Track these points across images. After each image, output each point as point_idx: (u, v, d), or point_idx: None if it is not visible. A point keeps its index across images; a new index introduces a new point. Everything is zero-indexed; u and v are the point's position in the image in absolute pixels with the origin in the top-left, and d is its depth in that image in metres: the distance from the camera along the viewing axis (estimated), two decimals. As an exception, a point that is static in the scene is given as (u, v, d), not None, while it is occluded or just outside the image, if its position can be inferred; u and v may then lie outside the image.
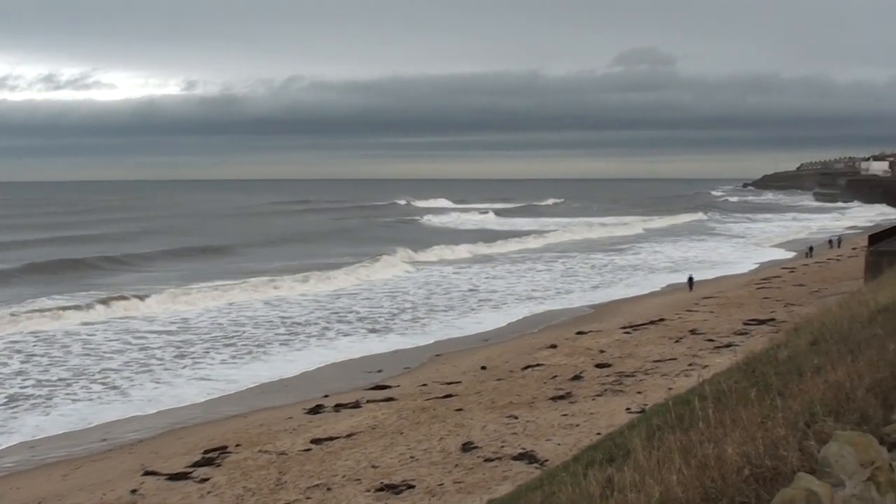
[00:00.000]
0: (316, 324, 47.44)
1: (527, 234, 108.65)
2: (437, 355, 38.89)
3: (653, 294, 57.23)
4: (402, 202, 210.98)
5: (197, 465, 23.81)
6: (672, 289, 58.92)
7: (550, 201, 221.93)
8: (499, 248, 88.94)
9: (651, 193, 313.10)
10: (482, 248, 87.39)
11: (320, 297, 56.03)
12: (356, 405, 29.59)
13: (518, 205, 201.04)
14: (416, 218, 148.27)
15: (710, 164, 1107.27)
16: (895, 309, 13.69)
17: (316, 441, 25.32)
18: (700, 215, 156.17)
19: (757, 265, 73.82)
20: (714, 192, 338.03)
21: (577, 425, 24.67)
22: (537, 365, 34.58)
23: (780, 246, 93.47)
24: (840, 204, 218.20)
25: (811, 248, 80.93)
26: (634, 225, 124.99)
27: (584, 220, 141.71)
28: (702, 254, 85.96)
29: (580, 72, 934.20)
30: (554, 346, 38.51)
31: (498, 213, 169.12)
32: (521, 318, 48.98)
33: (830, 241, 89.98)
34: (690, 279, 59.17)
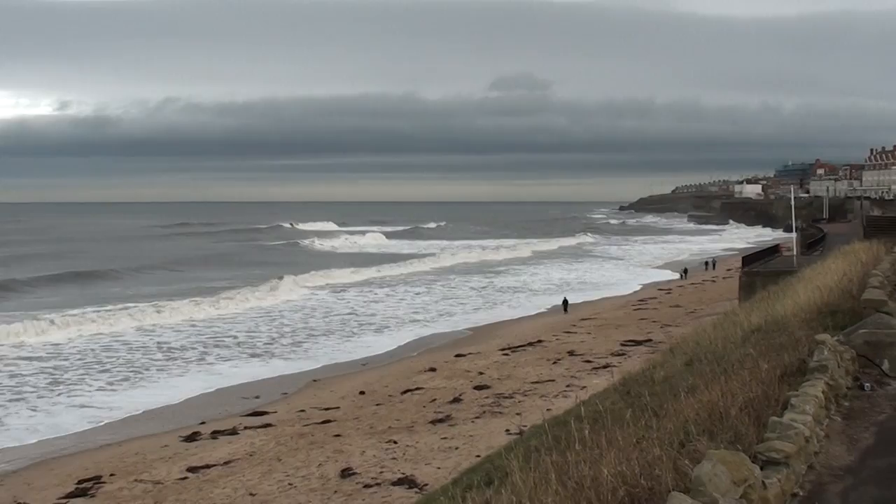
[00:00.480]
0: (193, 349, 46.30)
1: (414, 257, 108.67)
2: (315, 380, 38.32)
3: (532, 316, 57.52)
4: (287, 225, 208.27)
5: (70, 496, 23.15)
6: (552, 310, 59.38)
7: (433, 224, 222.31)
8: (386, 271, 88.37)
9: (531, 216, 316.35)
10: (368, 272, 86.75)
11: (199, 323, 54.83)
12: (233, 432, 29.07)
13: (403, 227, 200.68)
14: (301, 241, 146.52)
15: (587, 187, 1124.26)
16: (767, 329, 14.01)
17: (192, 469, 24.81)
18: (582, 237, 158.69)
19: (641, 286, 75.06)
20: (593, 215, 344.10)
21: (457, 448, 24.66)
22: (416, 389, 34.46)
23: (662, 267, 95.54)
24: (714, 226, 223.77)
25: (685, 270, 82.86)
26: (517, 248, 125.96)
27: (467, 244, 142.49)
28: (584, 275, 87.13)
29: (457, 95, 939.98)
30: (433, 370, 38.40)
31: (388, 235, 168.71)
32: (402, 341, 48.80)
33: (706, 263, 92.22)
34: (565, 301, 59.68)
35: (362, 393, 34.60)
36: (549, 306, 60.89)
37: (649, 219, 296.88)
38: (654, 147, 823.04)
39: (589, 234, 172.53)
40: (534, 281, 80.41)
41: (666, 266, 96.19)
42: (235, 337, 50.01)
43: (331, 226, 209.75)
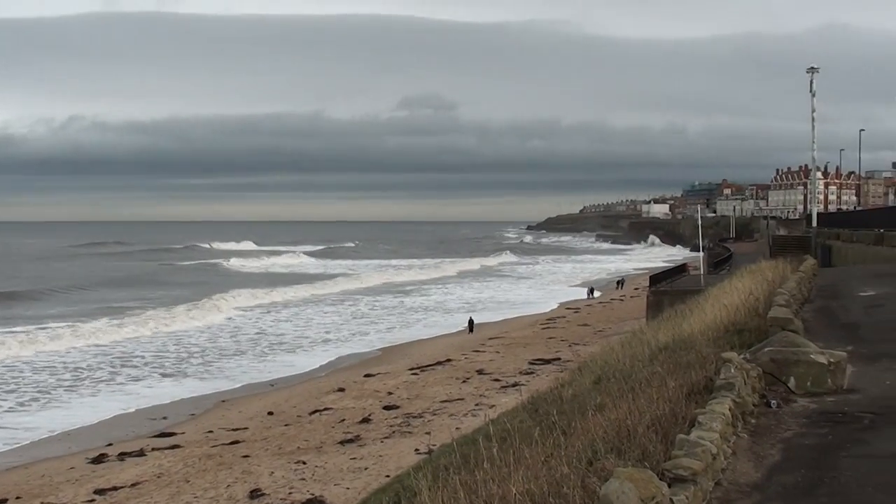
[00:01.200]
0: (101, 369, 45.64)
1: (330, 276, 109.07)
2: (224, 401, 37.87)
3: (442, 336, 57.56)
4: (206, 245, 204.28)
5: (-28, 520, 22.24)
6: (464, 330, 59.46)
7: (350, 244, 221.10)
8: (301, 291, 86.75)
9: (445, 235, 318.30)
10: (283, 292, 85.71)
11: (108, 343, 53.77)
12: (141, 453, 28.62)
13: (321, 247, 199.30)
14: (218, 261, 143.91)
15: (497, 206, 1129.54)
16: (675, 347, 14.17)
17: (99, 491, 24.36)
18: (503, 257, 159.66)
19: (558, 304, 76.05)
20: (507, 234, 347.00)
21: (366, 468, 24.54)
22: (325, 409, 34.24)
23: (582, 285, 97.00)
24: (623, 245, 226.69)
25: (591, 290, 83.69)
26: (435, 267, 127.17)
27: (384, 263, 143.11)
28: (499, 294, 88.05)
29: (365, 115, 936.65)
30: (342, 390, 38.23)
31: (309, 255, 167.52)
32: (312, 361, 48.52)
33: (617, 282, 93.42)
34: (471, 322, 59.64)
35: (271, 413, 34.28)
36: (462, 326, 60.92)
37: (560, 238, 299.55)
38: (561, 167, 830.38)
39: (510, 253, 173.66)
40: (448, 300, 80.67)
41: (585, 284, 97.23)
42: (143, 357, 49.33)
43: (249, 245, 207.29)
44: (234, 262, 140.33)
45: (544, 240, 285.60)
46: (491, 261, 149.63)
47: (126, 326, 59.71)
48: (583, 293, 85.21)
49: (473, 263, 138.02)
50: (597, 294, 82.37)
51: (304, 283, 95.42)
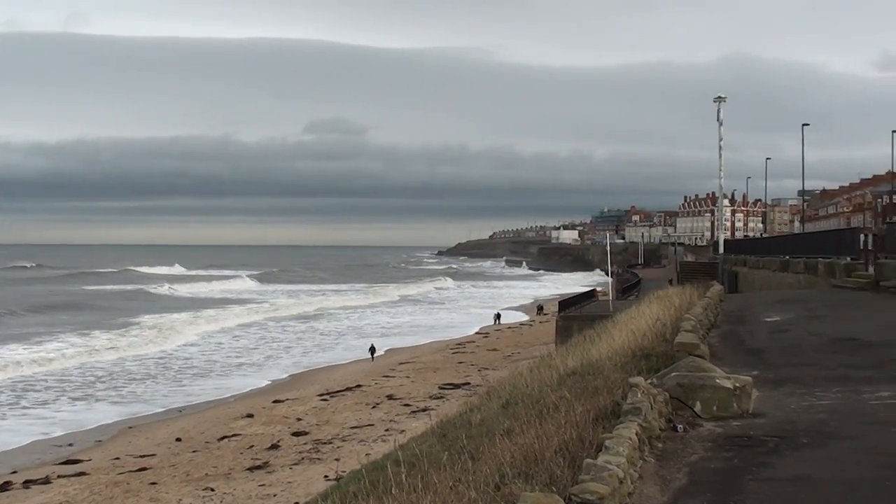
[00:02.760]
0: (2, 392, 44.89)
1: (253, 301, 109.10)
2: (131, 427, 37.43)
3: (351, 362, 57.40)
4: (139, 269, 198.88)
5: None
6: (375, 356, 59.30)
7: (275, 269, 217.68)
8: (222, 319, 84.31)
9: (353, 260, 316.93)
10: (205, 317, 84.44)
11: (18, 369, 52.33)
12: (46, 481, 28.12)
13: (245, 272, 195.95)
14: (148, 286, 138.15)
15: (407, 231, 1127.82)
16: (582, 372, 14.25)
17: (3, 519, 23.31)
18: (433, 282, 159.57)
19: (479, 329, 76.90)
20: (423, 258, 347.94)
21: (275, 495, 24.35)
22: (234, 435, 33.97)
23: (511, 309, 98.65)
24: (530, 271, 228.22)
25: (498, 315, 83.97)
26: (374, 293, 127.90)
27: (310, 288, 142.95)
28: (419, 319, 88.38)
29: (273, 138, 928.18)
30: (251, 416, 37.95)
31: (257, 279, 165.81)
32: (222, 387, 48.11)
33: (539, 307, 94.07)
34: (372, 348, 59.22)
35: (179, 440, 33.96)
36: (382, 350, 60.74)
37: (473, 263, 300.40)
38: (470, 193, 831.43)
39: (448, 279, 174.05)
40: (364, 326, 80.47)
41: (515, 308, 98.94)
42: (46, 381, 48.54)
43: (179, 269, 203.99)
44: (180, 288, 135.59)
45: (454, 265, 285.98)
46: (427, 286, 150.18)
47: (40, 353, 58.35)
48: (514, 316, 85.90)
49: (410, 288, 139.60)
50: (527, 317, 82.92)
51: (219, 307, 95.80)
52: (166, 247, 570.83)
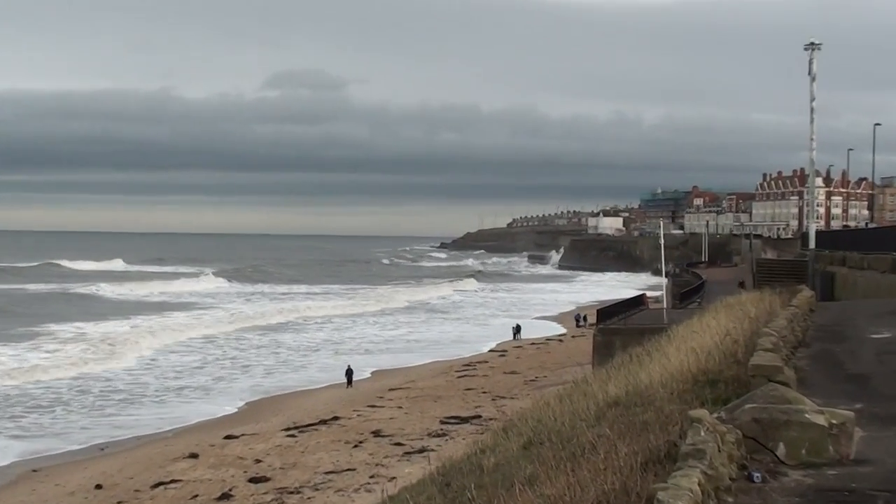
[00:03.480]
0: None
1: (202, 307, 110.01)
2: (35, 470, 37.19)
3: (326, 386, 57.62)
4: (65, 263, 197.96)
5: None
6: (366, 379, 59.31)
7: (231, 266, 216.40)
8: (167, 335, 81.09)
9: (331, 254, 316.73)
10: (144, 327, 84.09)
11: None
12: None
13: (209, 269, 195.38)
14: (77, 287, 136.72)
15: (399, 217, 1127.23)
16: (628, 403, 14.16)
17: None
18: (438, 286, 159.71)
19: (493, 345, 77.30)
20: (425, 251, 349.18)
21: (224, 562, 24.25)
22: (172, 481, 33.88)
23: (539, 319, 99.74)
24: (560, 270, 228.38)
25: (518, 328, 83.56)
26: (331, 298, 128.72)
27: (273, 290, 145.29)
28: (416, 332, 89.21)
29: (225, 95, 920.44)
30: (195, 456, 37.94)
31: (227, 277, 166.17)
32: (161, 417, 48.29)
33: (577, 318, 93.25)
34: (349, 371, 58.19)
35: (99, 487, 33.81)
36: (366, 372, 61.33)
37: (488, 259, 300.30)
38: (482, 167, 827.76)
39: (471, 279, 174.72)
40: (346, 340, 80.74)
41: (545, 318, 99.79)
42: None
43: (119, 265, 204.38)
44: (119, 289, 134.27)
45: (468, 260, 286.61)
46: (443, 288, 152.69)
47: None
48: (540, 328, 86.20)
49: (417, 293, 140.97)
50: (561, 328, 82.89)
51: (173, 312, 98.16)
52: (88, 234, 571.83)
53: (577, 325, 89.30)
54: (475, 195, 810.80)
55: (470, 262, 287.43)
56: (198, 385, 57.42)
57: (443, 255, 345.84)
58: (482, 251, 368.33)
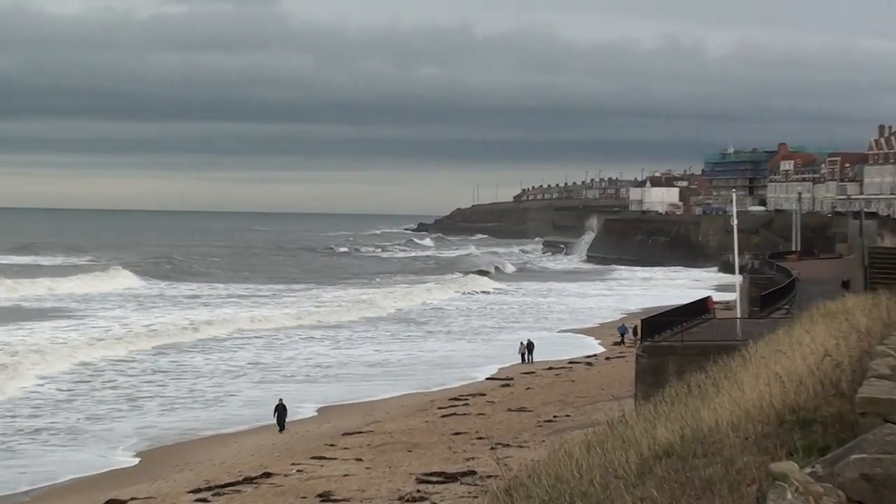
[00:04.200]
0: None
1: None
2: None
3: (254, 428, 57.94)
4: None
5: None
6: (307, 416, 59.82)
7: (118, 260, 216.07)
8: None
9: (267, 239, 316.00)
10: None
11: None
12: None
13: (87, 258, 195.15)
14: None
15: (359, 187, 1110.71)
16: (685, 452, 14.19)
17: None
18: (441, 283, 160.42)
19: (494, 371, 77.20)
20: (405, 235, 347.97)
21: None
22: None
23: (563, 332, 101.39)
24: (588, 264, 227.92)
25: (529, 346, 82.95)
26: (263, 303, 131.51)
27: (179, 291, 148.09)
28: (384, 351, 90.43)
29: (105, 9, 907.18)
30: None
31: (137, 271, 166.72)
32: (19, 472, 48.30)
33: (623, 332, 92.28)
34: (280, 409, 57.62)
35: None
36: (311, 409, 61.32)
37: (486, 248, 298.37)
38: (476, 116, 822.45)
39: (484, 276, 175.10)
40: (282, 365, 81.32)
41: (590, 331, 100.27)
42: None
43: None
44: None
45: (462, 248, 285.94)
46: (445, 290, 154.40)
47: None
48: (560, 345, 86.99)
49: (410, 296, 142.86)
50: (597, 344, 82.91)
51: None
52: None
53: (620, 342, 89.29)
54: (467, 156, 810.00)
55: (473, 249, 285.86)
56: (66, 427, 57.51)
57: (428, 243, 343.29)
58: (482, 236, 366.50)
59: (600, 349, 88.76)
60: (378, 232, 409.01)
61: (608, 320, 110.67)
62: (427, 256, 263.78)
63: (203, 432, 56.85)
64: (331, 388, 67.15)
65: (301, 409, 60.14)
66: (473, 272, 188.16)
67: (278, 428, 56.70)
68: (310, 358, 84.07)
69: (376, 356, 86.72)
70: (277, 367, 78.81)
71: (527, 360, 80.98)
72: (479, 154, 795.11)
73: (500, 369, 77.97)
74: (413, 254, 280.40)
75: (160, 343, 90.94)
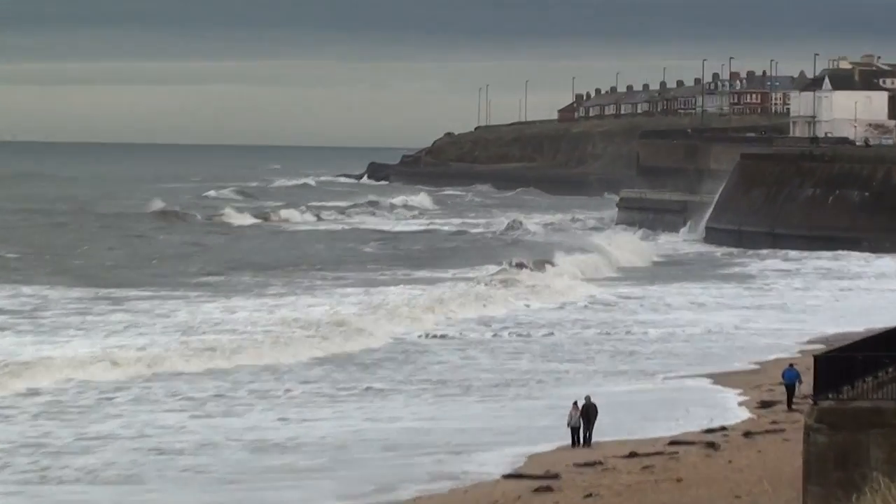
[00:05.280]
0: None
1: None
2: None
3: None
4: None
5: None
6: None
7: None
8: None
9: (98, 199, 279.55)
10: None
11: None
12: None
13: None
14: None
15: (283, 93, 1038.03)
16: None
17: None
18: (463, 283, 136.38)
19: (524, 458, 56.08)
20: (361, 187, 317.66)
21: None
22: None
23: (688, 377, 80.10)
24: (704, 246, 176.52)
25: (587, 412, 57.29)
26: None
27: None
28: (322, 425, 64.92)
29: None
30: None
31: None
32: None
33: (795, 383, 70.88)
34: None
35: None
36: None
37: (499, 212, 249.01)
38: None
39: (523, 269, 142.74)
40: (113, 433, 60.31)
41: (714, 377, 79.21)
42: None
43: None
44: None
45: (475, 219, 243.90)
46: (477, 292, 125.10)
47: None
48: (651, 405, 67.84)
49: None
50: (740, 404, 65.02)
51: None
52: None
53: (788, 402, 65.40)
54: (460, 31, 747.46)
55: (520, 218, 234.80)
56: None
57: (422, 202, 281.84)
58: (494, 187, 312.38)
59: (740, 414, 65.18)
60: (299, 182, 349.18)
61: (770, 357, 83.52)
62: (424, 231, 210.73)
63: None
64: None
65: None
66: (547, 265, 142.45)
67: None
68: (176, 427, 60.94)
69: (275, 431, 61.63)
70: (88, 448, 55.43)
71: (581, 441, 57.96)
72: (486, 28, 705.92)
73: (531, 456, 55.40)
74: (389, 225, 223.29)
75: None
